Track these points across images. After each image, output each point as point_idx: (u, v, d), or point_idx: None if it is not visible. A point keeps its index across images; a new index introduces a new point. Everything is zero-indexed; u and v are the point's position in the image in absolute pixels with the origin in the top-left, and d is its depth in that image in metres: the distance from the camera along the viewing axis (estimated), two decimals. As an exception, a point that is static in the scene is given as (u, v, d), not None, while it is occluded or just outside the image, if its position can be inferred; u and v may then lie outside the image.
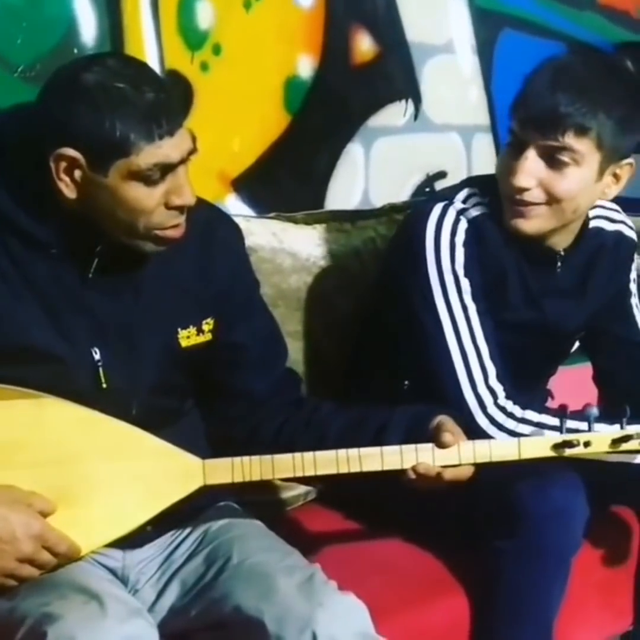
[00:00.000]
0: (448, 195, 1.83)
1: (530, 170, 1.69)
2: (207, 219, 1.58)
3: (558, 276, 1.85)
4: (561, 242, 1.82)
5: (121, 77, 1.37)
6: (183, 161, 1.41)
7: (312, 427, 1.59)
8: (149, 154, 1.37)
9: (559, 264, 1.84)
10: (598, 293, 1.91)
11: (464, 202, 1.81)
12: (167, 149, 1.38)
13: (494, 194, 1.79)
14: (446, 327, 1.76)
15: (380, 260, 2.03)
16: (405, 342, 1.83)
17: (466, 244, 1.77)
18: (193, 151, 1.43)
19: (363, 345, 2.03)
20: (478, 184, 1.84)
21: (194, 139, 1.43)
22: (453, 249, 1.77)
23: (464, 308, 1.77)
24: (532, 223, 1.75)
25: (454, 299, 1.76)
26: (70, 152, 1.37)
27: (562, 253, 1.83)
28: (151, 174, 1.38)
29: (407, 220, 1.91)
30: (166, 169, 1.39)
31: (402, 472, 1.49)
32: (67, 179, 1.39)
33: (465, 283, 1.77)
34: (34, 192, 1.42)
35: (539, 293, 1.84)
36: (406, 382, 1.88)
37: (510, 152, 1.73)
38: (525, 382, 1.86)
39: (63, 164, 1.38)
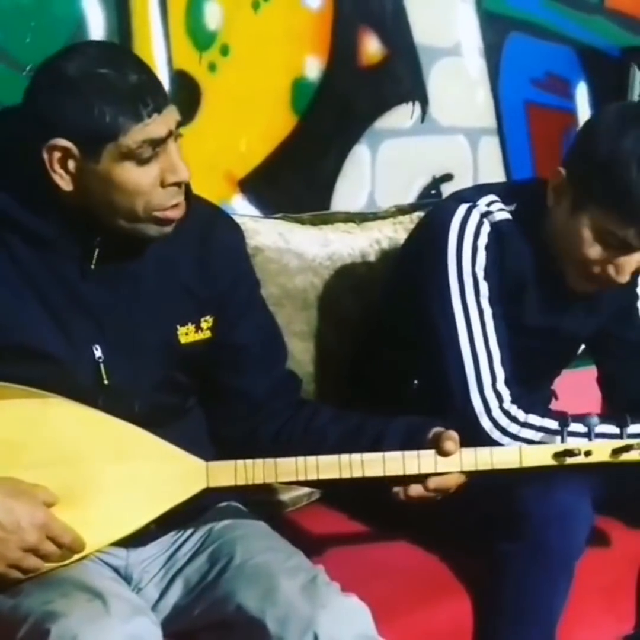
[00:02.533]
0: (469, 197, 1.84)
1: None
2: (207, 219, 1.58)
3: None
4: None
5: (102, 63, 1.38)
6: (171, 134, 1.41)
7: (309, 433, 1.58)
8: (137, 132, 1.37)
9: None
10: (612, 300, 1.92)
11: (488, 205, 1.81)
12: (155, 125, 1.38)
13: (517, 202, 1.80)
14: (460, 328, 1.76)
15: (392, 260, 2.03)
16: (417, 340, 1.83)
17: (488, 248, 1.78)
18: (180, 123, 1.43)
19: (370, 346, 2.03)
20: (499, 191, 1.84)
21: (179, 114, 1.44)
22: (475, 251, 1.77)
23: (480, 311, 1.77)
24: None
25: (471, 301, 1.77)
26: (62, 142, 1.38)
27: None
28: (141, 152, 1.38)
29: (428, 219, 1.92)
30: (155, 144, 1.39)
31: (396, 485, 1.49)
32: (61, 171, 1.40)
33: (483, 286, 1.77)
34: (31, 189, 1.43)
35: (555, 300, 1.84)
36: (415, 382, 1.88)
37: (606, 244, 1.71)
38: (532, 383, 1.86)
39: (56, 155, 1.39)
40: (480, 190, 1.87)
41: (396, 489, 1.49)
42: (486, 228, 1.79)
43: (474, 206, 1.80)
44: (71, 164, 1.39)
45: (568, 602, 1.73)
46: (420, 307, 1.81)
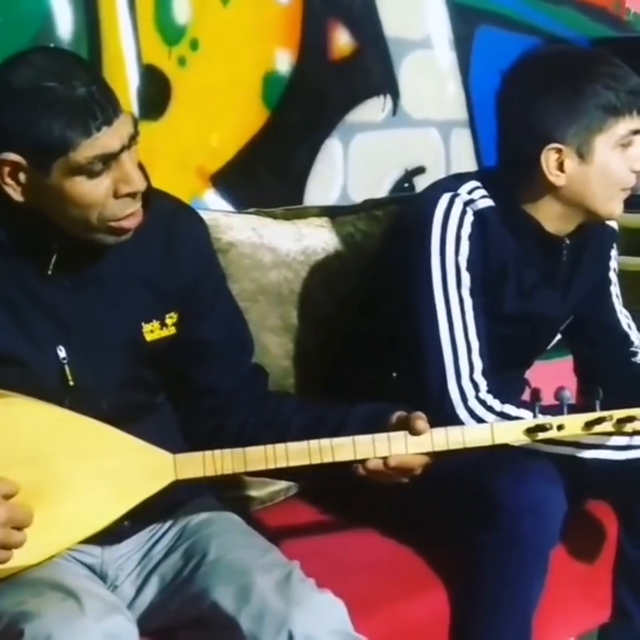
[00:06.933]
0: (451, 186, 1.83)
1: None
2: (171, 213, 1.56)
3: (563, 265, 1.87)
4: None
5: (50, 75, 1.35)
6: (124, 148, 1.38)
7: (273, 426, 1.58)
8: (87, 148, 1.35)
9: (565, 252, 1.86)
10: (583, 282, 1.93)
11: (469, 193, 1.81)
12: (106, 139, 1.36)
13: (497, 187, 1.81)
14: (441, 318, 1.77)
15: (366, 254, 2.02)
16: (397, 330, 1.83)
17: (472, 237, 1.78)
18: (134, 136, 1.40)
19: (348, 339, 2.02)
20: (478, 178, 1.85)
21: (135, 122, 1.41)
22: (458, 241, 1.77)
23: (461, 301, 1.77)
24: None
25: (453, 292, 1.77)
26: (11, 156, 1.36)
27: (568, 242, 1.85)
28: (92, 167, 1.36)
29: (410, 209, 1.91)
30: (107, 159, 1.37)
31: (354, 467, 1.47)
32: (12, 182, 1.38)
33: (465, 277, 1.77)
34: None
35: (531, 286, 1.85)
36: (394, 374, 1.88)
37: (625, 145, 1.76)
38: (508, 371, 1.87)
39: (6, 169, 1.37)
40: (460, 178, 1.87)
41: (356, 465, 1.47)
42: (470, 217, 1.79)
43: (457, 195, 1.80)
44: (22, 176, 1.38)
45: (544, 592, 1.73)
46: (402, 297, 1.81)
